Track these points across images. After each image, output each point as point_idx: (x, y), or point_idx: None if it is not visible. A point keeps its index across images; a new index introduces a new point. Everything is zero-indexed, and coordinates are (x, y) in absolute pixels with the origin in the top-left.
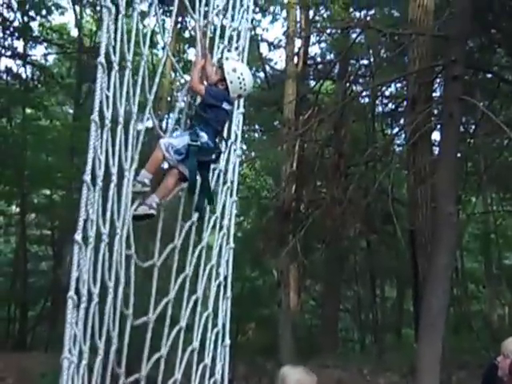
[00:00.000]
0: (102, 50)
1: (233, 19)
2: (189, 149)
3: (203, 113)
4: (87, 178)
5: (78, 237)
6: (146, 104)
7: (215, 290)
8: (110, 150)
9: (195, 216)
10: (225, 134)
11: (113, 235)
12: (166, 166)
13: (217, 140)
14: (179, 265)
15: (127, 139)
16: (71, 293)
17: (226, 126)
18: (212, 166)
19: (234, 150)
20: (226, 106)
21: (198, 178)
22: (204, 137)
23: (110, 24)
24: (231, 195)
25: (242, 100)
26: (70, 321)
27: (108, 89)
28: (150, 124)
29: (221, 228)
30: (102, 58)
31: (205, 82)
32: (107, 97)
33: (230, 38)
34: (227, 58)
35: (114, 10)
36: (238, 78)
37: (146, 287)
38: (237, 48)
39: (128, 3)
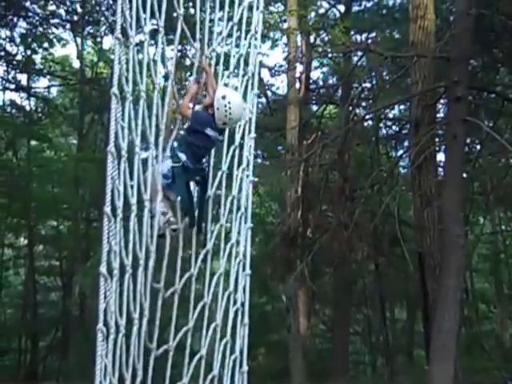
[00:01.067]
0: (115, 81)
1: (237, 46)
2: (173, 171)
3: (187, 136)
4: (107, 209)
5: (103, 269)
6: (150, 134)
7: (233, 316)
8: (129, 181)
9: (210, 244)
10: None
11: (136, 266)
12: None
13: (203, 164)
14: (196, 293)
15: (145, 170)
16: (100, 325)
17: (237, 152)
18: (223, 193)
19: (247, 176)
20: (209, 131)
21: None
22: (183, 157)
23: (121, 55)
24: (245, 222)
25: (253, 125)
26: (100, 353)
27: (123, 119)
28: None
29: (237, 255)
30: (115, 89)
31: (194, 106)
32: (122, 128)
33: (235, 64)
34: (226, 84)
35: (124, 41)
36: (225, 105)
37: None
38: (244, 75)
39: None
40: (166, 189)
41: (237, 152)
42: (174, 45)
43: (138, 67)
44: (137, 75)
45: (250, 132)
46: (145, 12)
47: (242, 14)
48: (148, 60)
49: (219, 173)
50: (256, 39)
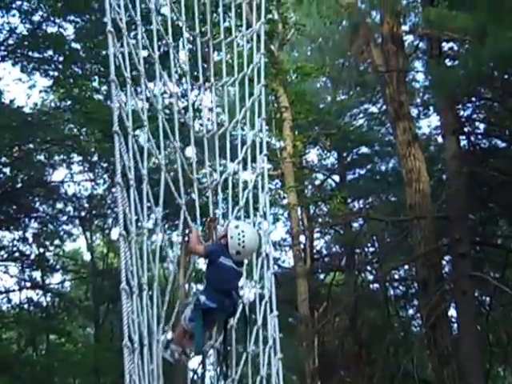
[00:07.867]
0: (123, 277)
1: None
2: (194, 314)
3: (206, 272)
4: None
5: None
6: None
7: None
8: (141, 371)
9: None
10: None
11: None
12: None
13: (234, 299)
14: None
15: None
16: None
17: (260, 332)
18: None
19: (275, 354)
20: (224, 260)
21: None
22: (202, 298)
23: (126, 249)
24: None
25: (274, 304)
26: None
27: (132, 312)
28: None
29: None
30: (124, 285)
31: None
32: (133, 321)
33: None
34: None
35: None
36: (239, 233)
37: None
38: (258, 256)
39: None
40: (190, 328)
41: (260, 332)
42: (179, 231)
43: (139, 260)
44: (139, 268)
45: (271, 311)
46: (142, 207)
47: (247, 196)
48: (148, 252)
49: (244, 354)
50: (266, 219)
